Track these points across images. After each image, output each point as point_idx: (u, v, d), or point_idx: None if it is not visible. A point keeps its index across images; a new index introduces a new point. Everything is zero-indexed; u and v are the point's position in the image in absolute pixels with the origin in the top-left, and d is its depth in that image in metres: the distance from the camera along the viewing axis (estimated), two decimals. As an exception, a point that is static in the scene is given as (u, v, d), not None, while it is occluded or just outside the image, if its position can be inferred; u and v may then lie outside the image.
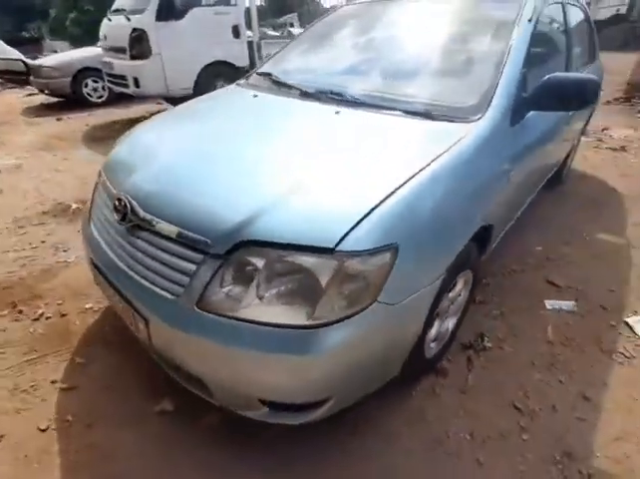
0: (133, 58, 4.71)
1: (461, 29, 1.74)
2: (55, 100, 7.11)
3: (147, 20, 4.50)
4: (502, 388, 1.52)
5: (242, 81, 2.14)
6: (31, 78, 7.65)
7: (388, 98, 1.47)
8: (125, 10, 4.78)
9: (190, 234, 1.01)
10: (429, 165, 1.10)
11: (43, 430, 1.37)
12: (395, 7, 2.05)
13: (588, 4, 17.38)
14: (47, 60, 6.82)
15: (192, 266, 1.00)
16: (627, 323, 1.84)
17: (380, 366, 1.14)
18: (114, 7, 5.17)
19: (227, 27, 5.09)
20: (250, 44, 5.40)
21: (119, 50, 4.85)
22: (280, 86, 1.85)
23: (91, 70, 6.69)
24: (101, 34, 5.26)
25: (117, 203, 1.17)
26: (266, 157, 1.26)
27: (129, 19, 4.60)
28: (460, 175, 1.16)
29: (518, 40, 1.51)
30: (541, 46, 1.72)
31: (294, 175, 1.11)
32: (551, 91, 1.37)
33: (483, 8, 1.81)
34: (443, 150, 1.16)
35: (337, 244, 0.91)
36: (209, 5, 4.93)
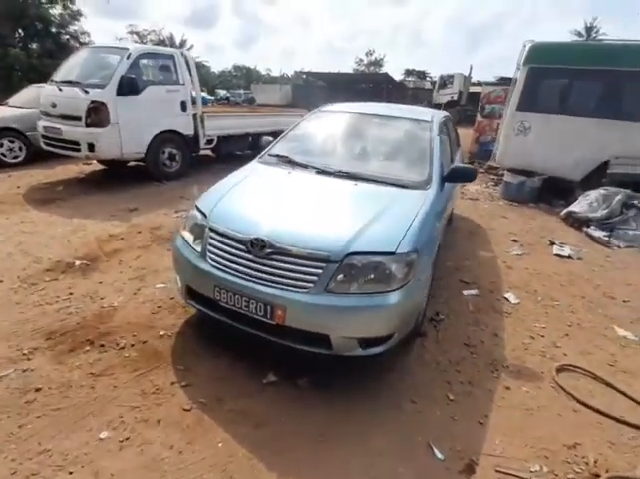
0: (88, 126, 5.03)
1: (407, 138, 3.07)
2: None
3: (107, 94, 4.97)
4: (456, 337, 2.62)
5: (259, 159, 3.03)
6: None
7: (383, 176, 2.58)
8: (79, 82, 5.14)
9: (318, 252, 1.86)
10: (419, 209, 2.20)
11: (188, 410, 1.89)
12: (357, 119, 3.31)
13: (430, 90, 23.54)
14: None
15: (319, 271, 1.84)
16: (505, 298, 3.21)
17: (413, 316, 2.11)
18: (61, 77, 5.43)
19: (177, 102, 5.86)
20: (195, 116, 6.22)
21: (71, 117, 5.09)
22: (297, 165, 2.80)
23: (8, 130, 6.46)
24: (44, 101, 5.39)
25: (254, 241, 1.93)
26: (338, 206, 2.25)
27: (86, 91, 4.99)
28: (431, 214, 2.28)
29: (435, 144, 2.86)
30: (442, 143, 3.11)
31: (362, 214, 2.09)
32: (456, 173, 2.69)
33: (410, 127, 3.17)
34: (421, 202, 2.30)
35: (395, 250, 1.90)
36: (163, 84, 5.66)
